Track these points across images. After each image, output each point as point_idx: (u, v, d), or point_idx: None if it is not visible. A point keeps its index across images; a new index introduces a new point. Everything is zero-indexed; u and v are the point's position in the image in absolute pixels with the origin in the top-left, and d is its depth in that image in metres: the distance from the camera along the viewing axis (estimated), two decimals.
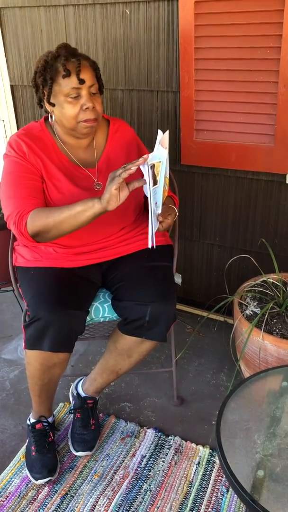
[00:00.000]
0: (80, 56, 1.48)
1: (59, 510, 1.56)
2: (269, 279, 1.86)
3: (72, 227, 1.42)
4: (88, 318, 1.62)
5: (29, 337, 1.48)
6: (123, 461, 1.71)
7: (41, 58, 1.51)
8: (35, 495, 1.61)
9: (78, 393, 1.81)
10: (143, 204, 1.75)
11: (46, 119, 1.63)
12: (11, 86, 2.42)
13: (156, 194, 1.40)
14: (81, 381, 1.85)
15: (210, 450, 1.73)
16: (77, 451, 1.72)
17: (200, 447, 1.75)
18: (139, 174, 1.32)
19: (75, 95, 1.47)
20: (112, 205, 1.33)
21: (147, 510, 1.55)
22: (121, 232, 1.70)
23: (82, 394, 1.80)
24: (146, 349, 1.62)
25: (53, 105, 1.51)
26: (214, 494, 1.59)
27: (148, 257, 1.68)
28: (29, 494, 1.61)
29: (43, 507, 1.56)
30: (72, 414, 1.82)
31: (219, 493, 1.59)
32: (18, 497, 1.60)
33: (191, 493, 1.59)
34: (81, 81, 1.46)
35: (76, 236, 1.62)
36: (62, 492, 1.61)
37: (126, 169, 1.29)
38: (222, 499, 1.57)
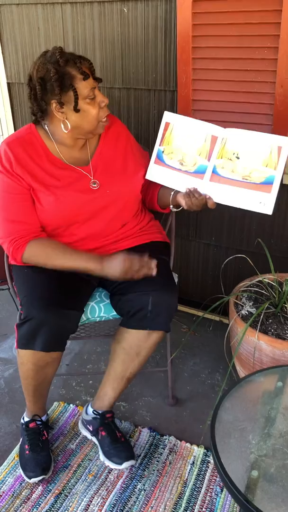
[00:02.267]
0: (83, 57, 1.48)
1: (53, 509, 1.55)
2: (264, 279, 1.86)
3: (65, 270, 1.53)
4: (84, 318, 1.62)
5: (21, 337, 1.47)
6: None
7: (42, 68, 1.43)
8: (29, 494, 1.60)
9: (94, 412, 1.71)
10: (141, 200, 1.75)
11: (36, 123, 1.59)
12: (8, 84, 2.41)
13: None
14: (89, 405, 1.76)
15: (205, 450, 1.73)
16: (120, 463, 1.61)
17: (195, 447, 1.75)
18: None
19: (93, 96, 1.47)
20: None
21: (141, 509, 1.55)
22: (120, 229, 1.70)
23: (99, 411, 1.70)
24: (153, 342, 1.60)
25: (78, 111, 1.46)
26: (208, 494, 1.59)
27: (147, 251, 1.68)
28: (23, 493, 1.60)
29: (37, 506, 1.56)
30: (94, 438, 1.72)
31: (213, 493, 1.59)
32: (12, 497, 1.59)
33: (185, 493, 1.59)
34: (98, 80, 1.48)
35: (75, 236, 1.62)
36: (56, 491, 1.61)
37: (138, 274, 1.47)
38: (216, 499, 1.57)
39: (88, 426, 1.74)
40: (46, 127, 1.57)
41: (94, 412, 1.71)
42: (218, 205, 2.18)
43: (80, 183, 1.59)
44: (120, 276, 1.48)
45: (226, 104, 1.88)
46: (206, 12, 1.76)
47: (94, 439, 1.73)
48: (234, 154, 1.50)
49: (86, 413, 1.76)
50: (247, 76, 1.79)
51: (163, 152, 1.62)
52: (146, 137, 1.72)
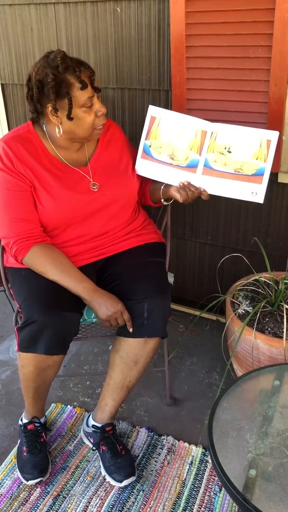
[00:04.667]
0: (84, 63, 1.46)
1: (51, 511, 1.55)
2: (261, 278, 1.86)
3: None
4: (81, 319, 1.62)
5: (23, 340, 1.47)
6: None
7: (42, 71, 1.42)
8: (27, 496, 1.60)
9: (94, 426, 1.69)
10: (136, 201, 1.75)
11: (33, 122, 1.59)
12: (1, 85, 2.40)
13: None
14: (90, 417, 1.74)
15: (203, 450, 1.73)
16: (120, 481, 1.58)
17: (193, 447, 1.74)
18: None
19: (90, 104, 1.46)
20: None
21: (140, 510, 1.54)
22: (116, 230, 1.70)
23: (99, 424, 1.67)
24: (151, 349, 1.59)
25: (71, 119, 1.46)
26: (207, 494, 1.58)
27: (142, 254, 1.68)
28: (21, 495, 1.60)
29: (35, 508, 1.56)
30: (96, 451, 1.70)
31: (212, 493, 1.59)
32: (10, 499, 1.59)
33: (184, 493, 1.59)
34: (97, 90, 1.47)
35: (71, 236, 1.62)
36: (54, 493, 1.60)
37: (120, 323, 1.52)
38: (215, 498, 1.57)
39: (89, 438, 1.73)
40: (44, 126, 1.57)
41: (94, 426, 1.69)
42: (214, 204, 2.18)
43: (80, 185, 1.59)
44: (102, 317, 1.51)
45: (220, 103, 1.88)
46: (200, 11, 1.76)
47: (96, 452, 1.72)
48: (225, 148, 1.56)
49: (87, 425, 1.74)
50: (241, 74, 1.79)
51: (150, 146, 1.64)
52: (139, 137, 1.72)
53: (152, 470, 1.67)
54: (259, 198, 1.56)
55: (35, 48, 2.21)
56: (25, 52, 2.25)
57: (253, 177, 1.55)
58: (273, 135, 1.52)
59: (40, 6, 2.11)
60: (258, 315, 1.71)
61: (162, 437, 1.79)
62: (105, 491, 1.60)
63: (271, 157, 1.53)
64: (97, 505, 1.56)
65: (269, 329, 1.69)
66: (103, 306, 1.50)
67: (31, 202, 1.54)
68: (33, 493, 1.60)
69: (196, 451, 1.73)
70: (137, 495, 1.59)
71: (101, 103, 1.50)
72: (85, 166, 1.62)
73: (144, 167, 1.67)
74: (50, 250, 1.55)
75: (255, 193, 1.56)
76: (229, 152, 1.56)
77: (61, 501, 1.58)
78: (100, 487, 1.61)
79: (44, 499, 1.58)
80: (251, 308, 1.77)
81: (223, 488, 1.59)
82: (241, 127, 1.56)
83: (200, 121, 1.59)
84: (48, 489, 1.61)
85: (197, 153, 1.60)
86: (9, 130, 2.49)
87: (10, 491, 1.61)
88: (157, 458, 1.71)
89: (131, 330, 1.53)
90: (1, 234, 1.56)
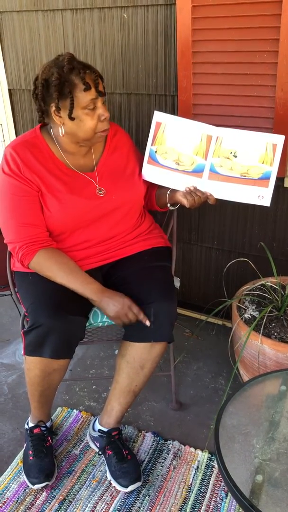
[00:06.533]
0: (91, 67, 1.48)
1: None
2: (267, 283, 1.86)
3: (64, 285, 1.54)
4: (87, 323, 1.62)
5: (29, 344, 1.47)
6: None
7: (48, 70, 1.46)
8: (33, 500, 1.60)
9: (100, 430, 1.69)
10: (143, 206, 1.76)
11: (40, 127, 1.62)
12: (9, 90, 2.42)
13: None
14: (96, 421, 1.74)
15: (209, 455, 1.73)
16: (126, 486, 1.57)
17: (199, 452, 1.74)
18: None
19: (93, 107, 1.47)
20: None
21: None
22: (123, 234, 1.70)
23: (105, 429, 1.68)
24: (157, 354, 1.59)
25: (73, 119, 1.48)
26: (213, 499, 1.58)
27: (148, 258, 1.68)
28: (27, 499, 1.60)
29: None
30: (102, 455, 1.69)
31: (218, 498, 1.58)
32: (16, 503, 1.59)
33: (190, 498, 1.58)
34: (100, 94, 1.47)
35: (78, 241, 1.63)
36: (60, 497, 1.60)
37: (129, 319, 1.50)
38: (221, 504, 1.56)
39: (95, 442, 1.73)
40: (51, 131, 1.59)
41: (100, 430, 1.69)
42: (220, 209, 2.18)
43: (87, 190, 1.60)
44: (111, 315, 1.51)
45: (226, 108, 1.88)
46: (206, 17, 1.77)
47: (102, 456, 1.72)
48: (231, 153, 1.57)
49: (93, 429, 1.74)
50: (248, 80, 1.80)
51: (155, 152, 1.65)
52: (146, 143, 1.73)
53: (158, 475, 1.67)
54: (266, 202, 1.57)
55: (43, 54, 2.22)
56: (33, 58, 2.27)
57: (260, 180, 1.56)
58: (279, 139, 1.53)
59: (48, 13, 2.13)
60: (264, 320, 1.70)
61: (168, 441, 1.79)
62: (111, 495, 1.60)
63: (277, 161, 1.53)
64: (103, 510, 1.56)
65: (275, 334, 1.68)
66: (110, 303, 1.50)
67: (38, 208, 1.55)
68: (39, 497, 1.60)
69: (202, 456, 1.73)
70: (143, 500, 1.58)
71: (105, 108, 1.51)
72: (92, 172, 1.63)
73: (150, 173, 1.68)
74: (56, 254, 1.56)
75: (261, 196, 1.57)
76: (235, 156, 1.57)
77: (67, 505, 1.58)
78: (106, 492, 1.61)
79: (50, 503, 1.58)
80: (257, 313, 1.77)
81: (229, 494, 1.58)
82: (246, 131, 1.56)
83: (205, 125, 1.60)
84: (54, 493, 1.61)
85: (203, 158, 1.60)
86: (16, 135, 2.50)
87: (16, 495, 1.61)
88: (163, 463, 1.71)
89: (147, 323, 1.51)
90: (7, 239, 1.57)
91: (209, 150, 1.59)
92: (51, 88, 1.45)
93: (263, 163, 1.54)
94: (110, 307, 1.50)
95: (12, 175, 1.52)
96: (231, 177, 1.58)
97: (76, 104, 1.45)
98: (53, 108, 1.48)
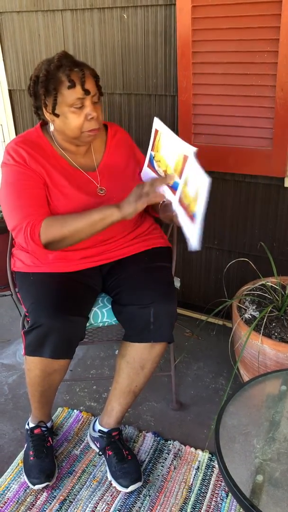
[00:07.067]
0: (82, 65, 1.48)
1: None
2: (267, 283, 1.86)
3: (88, 235, 1.48)
4: (87, 324, 1.62)
5: (30, 344, 1.47)
6: None
7: (40, 67, 1.49)
8: (33, 500, 1.60)
9: (100, 431, 1.69)
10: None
11: (42, 125, 1.63)
12: (9, 91, 2.43)
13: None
14: (96, 421, 1.74)
15: (210, 455, 1.73)
16: (126, 486, 1.57)
17: (199, 452, 1.74)
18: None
19: (79, 105, 1.47)
20: (132, 216, 1.43)
21: None
22: (123, 234, 1.70)
23: (105, 429, 1.68)
24: (157, 354, 1.59)
25: (57, 115, 1.49)
26: (214, 499, 1.58)
27: (148, 259, 1.68)
28: (28, 499, 1.60)
29: None
30: (103, 456, 1.69)
31: (218, 498, 1.58)
32: (17, 503, 1.59)
33: (190, 498, 1.58)
34: (87, 92, 1.46)
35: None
36: (61, 497, 1.60)
37: (155, 193, 1.39)
38: (221, 504, 1.56)
39: (95, 442, 1.73)
40: (50, 130, 1.59)
41: (100, 431, 1.68)
42: (220, 209, 2.18)
43: (88, 187, 1.60)
44: (137, 206, 1.39)
45: (226, 108, 1.88)
46: (206, 17, 1.77)
47: (102, 457, 1.72)
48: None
49: (93, 429, 1.74)
50: (248, 80, 1.80)
51: (153, 157, 1.59)
52: (147, 142, 1.73)
53: (158, 475, 1.67)
54: (193, 244, 1.38)
55: (43, 54, 2.23)
56: (33, 59, 2.27)
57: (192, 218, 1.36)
58: (190, 150, 1.33)
59: (48, 13, 2.13)
60: (264, 320, 1.70)
61: (169, 442, 1.79)
62: (111, 496, 1.60)
63: (186, 174, 1.33)
64: (103, 510, 1.56)
65: (275, 334, 1.68)
66: (126, 200, 1.42)
67: (43, 194, 1.53)
68: (39, 498, 1.60)
69: (203, 456, 1.73)
70: (143, 500, 1.58)
71: (93, 108, 1.48)
72: (94, 171, 1.63)
73: (147, 176, 1.64)
74: (60, 215, 1.52)
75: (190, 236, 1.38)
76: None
77: (68, 505, 1.58)
78: (106, 492, 1.61)
79: (50, 503, 1.58)
80: (257, 313, 1.77)
81: (230, 494, 1.58)
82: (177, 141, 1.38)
83: (183, 144, 1.38)
84: (54, 494, 1.61)
85: (179, 177, 1.40)
86: (16, 135, 2.50)
87: (16, 496, 1.61)
88: (163, 463, 1.71)
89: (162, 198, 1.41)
90: (12, 225, 1.50)
91: (183, 171, 1.38)
92: (39, 84, 1.48)
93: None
94: (129, 203, 1.41)
95: (18, 164, 1.52)
96: (185, 204, 1.38)
97: (61, 101, 1.46)
98: (43, 104, 1.50)
